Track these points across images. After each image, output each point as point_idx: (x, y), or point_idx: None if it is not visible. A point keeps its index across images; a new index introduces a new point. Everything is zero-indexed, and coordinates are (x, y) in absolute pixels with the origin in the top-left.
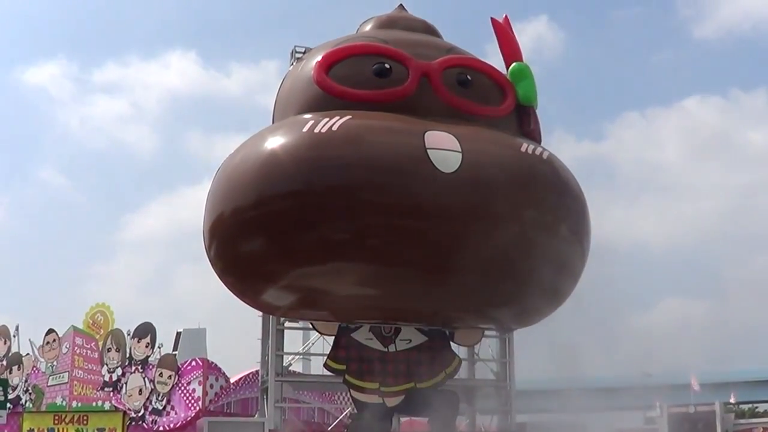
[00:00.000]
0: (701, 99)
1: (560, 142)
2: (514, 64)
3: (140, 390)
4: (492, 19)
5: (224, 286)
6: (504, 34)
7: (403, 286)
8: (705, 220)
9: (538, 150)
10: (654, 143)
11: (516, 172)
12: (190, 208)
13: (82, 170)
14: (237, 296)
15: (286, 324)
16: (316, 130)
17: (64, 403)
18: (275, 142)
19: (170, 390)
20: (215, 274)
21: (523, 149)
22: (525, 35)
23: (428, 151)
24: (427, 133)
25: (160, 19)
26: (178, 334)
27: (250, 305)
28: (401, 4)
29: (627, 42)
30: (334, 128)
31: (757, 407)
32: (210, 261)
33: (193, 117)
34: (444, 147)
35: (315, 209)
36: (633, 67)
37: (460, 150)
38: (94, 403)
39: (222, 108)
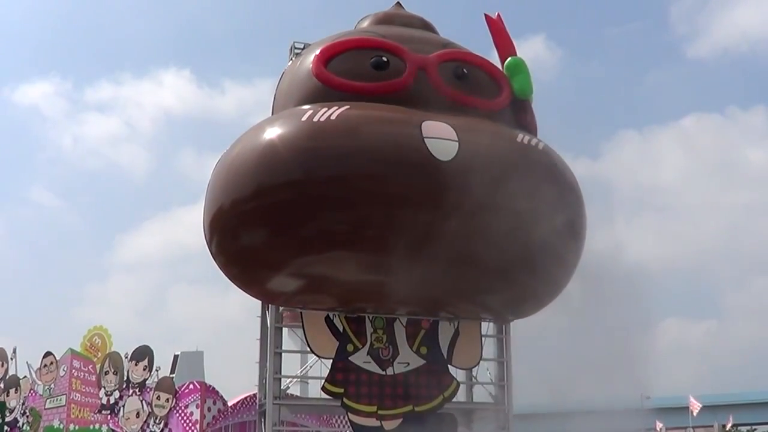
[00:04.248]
0: (699, 117)
1: None
2: (509, 58)
3: (138, 413)
4: (486, 15)
5: (227, 278)
6: (498, 30)
7: (402, 273)
8: (704, 240)
9: (534, 141)
10: (652, 161)
11: (511, 160)
12: (185, 228)
13: (75, 190)
14: (240, 287)
15: (284, 347)
16: (315, 120)
17: (61, 425)
18: (273, 132)
19: (168, 413)
20: (217, 266)
21: (518, 139)
22: (523, 53)
23: (425, 140)
24: (424, 123)
25: (154, 37)
26: (176, 357)
27: (254, 296)
28: (398, 2)
29: (624, 59)
30: (333, 117)
31: (755, 429)
32: (212, 255)
33: (187, 136)
34: (441, 136)
35: (313, 199)
36: (630, 84)
37: (456, 139)
38: (91, 426)
39: (216, 127)
